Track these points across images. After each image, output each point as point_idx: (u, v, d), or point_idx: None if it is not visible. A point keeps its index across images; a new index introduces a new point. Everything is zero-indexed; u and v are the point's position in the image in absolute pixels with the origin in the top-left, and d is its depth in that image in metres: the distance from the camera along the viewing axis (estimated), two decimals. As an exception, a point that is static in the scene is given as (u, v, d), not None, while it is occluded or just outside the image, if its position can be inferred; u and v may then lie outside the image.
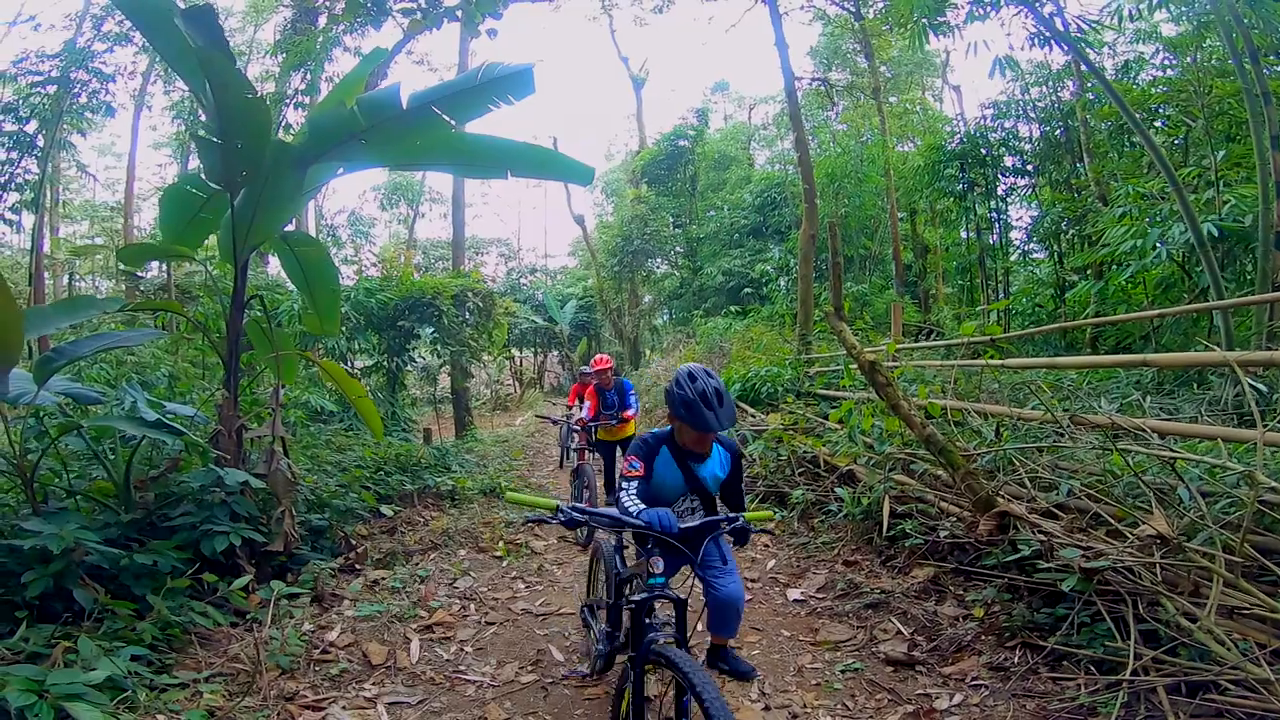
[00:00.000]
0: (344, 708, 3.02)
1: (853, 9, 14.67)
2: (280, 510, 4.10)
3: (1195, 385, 5.49)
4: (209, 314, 6.92)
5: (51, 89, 9.86)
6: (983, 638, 3.25)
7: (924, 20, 8.14)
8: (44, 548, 3.04)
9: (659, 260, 23.23)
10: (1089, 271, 9.56)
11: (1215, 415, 4.49)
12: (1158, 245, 6.89)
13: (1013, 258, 13.49)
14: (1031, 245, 13.25)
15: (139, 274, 9.47)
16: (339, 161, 4.52)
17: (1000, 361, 5.27)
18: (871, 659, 3.35)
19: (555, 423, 9.89)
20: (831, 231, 7.91)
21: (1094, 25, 8.28)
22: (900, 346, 6.93)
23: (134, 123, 15.80)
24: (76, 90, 10.44)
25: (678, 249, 22.64)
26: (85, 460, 4.42)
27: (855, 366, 4.56)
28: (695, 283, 20.92)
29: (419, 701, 3.14)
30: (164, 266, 8.61)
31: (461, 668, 3.50)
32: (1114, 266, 8.47)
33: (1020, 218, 13.66)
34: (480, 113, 4.40)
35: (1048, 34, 7.87)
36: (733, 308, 17.79)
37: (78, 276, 20.81)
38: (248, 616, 3.59)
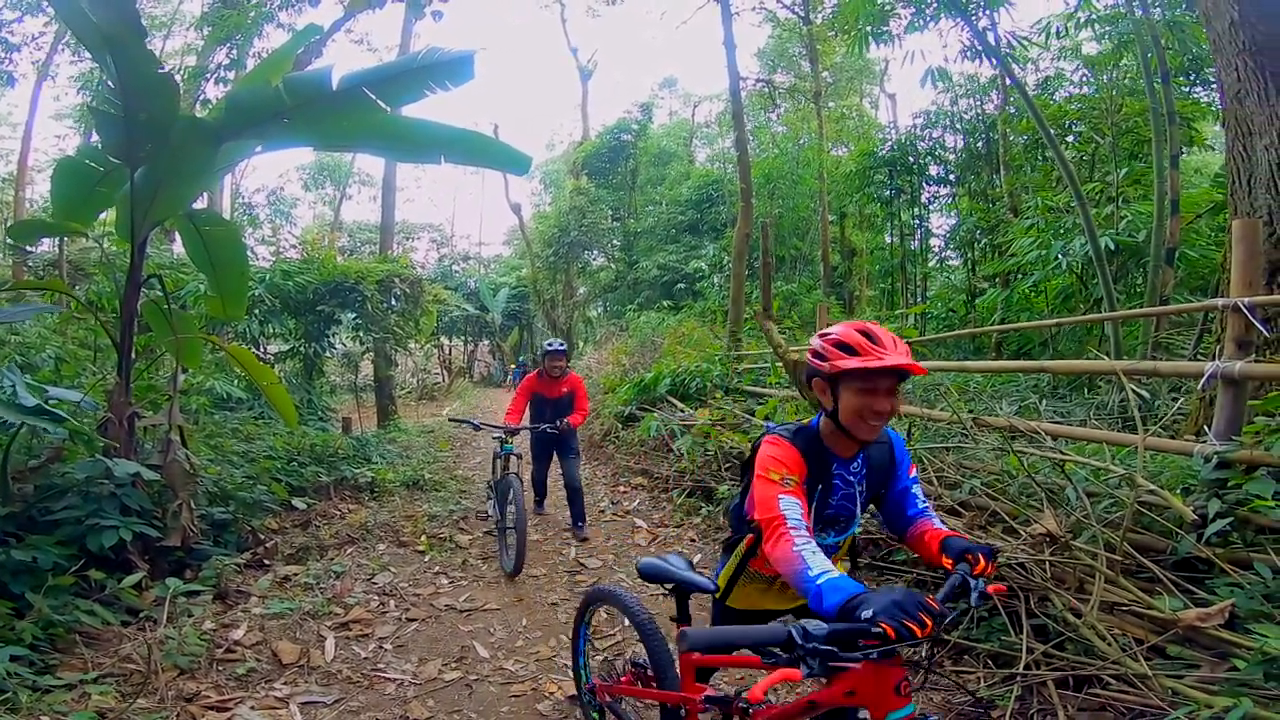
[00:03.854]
0: (253, 708, 2.89)
1: (802, 13, 14.98)
2: (177, 503, 3.87)
3: (1086, 390, 5.94)
4: (103, 293, 6.41)
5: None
6: (892, 631, 3.38)
7: (868, 28, 8.40)
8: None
9: (595, 253, 23.18)
10: (998, 280, 10.11)
11: (1103, 419, 4.87)
12: (1059, 257, 7.34)
13: (931, 264, 14.16)
14: (948, 252, 13.94)
15: (28, 249, 8.65)
16: (256, 140, 4.27)
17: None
18: (790, 654, 3.43)
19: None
20: (764, 231, 8.06)
21: (1023, 42, 8.76)
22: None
23: (34, 93, 14.43)
24: (-24, 59, 9.55)
25: (615, 242, 22.64)
26: (-44, 449, 4.03)
27: (781, 364, 4.69)
28: (630, 276, 20.96)
29: (335, 701, 3.03)
30: (56, 242, 7.89)
31: (380, 666, 3.40)
32: (1020, 275, 8.99)
33: (940, 225, 14.37)
34: (415, 97, 4.26)
35: (980, 47, 8.26)
36: (666, 303, 17.90)
37: (-39, 249, 18.86)
38: (141, 615, 3.38)
